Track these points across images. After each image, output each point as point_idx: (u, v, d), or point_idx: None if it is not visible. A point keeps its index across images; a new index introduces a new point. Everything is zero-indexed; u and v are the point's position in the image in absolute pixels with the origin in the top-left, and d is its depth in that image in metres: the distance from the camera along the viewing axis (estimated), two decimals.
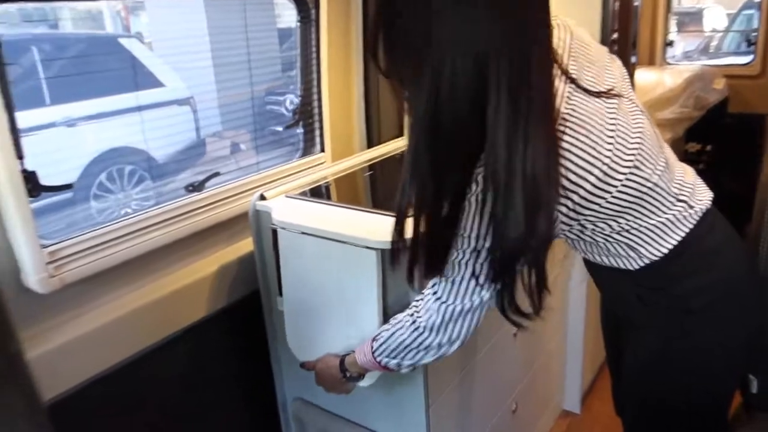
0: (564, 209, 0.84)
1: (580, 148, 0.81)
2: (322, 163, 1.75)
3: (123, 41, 3.78)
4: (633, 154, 0.86)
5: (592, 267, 1.08)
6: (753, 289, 1.02)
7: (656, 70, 3.28)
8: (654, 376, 1.03)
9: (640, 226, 0.92)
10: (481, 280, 0.89)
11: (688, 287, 0.96)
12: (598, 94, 0.85)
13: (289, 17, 1.77)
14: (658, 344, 1.01)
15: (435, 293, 0.96)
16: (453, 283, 0.92)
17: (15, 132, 1.07)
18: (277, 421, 1.50)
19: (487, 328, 1.46)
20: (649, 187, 0.89)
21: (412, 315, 1.01)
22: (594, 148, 0.82)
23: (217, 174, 1.51)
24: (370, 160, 1.69)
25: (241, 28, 1.88)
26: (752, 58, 3.28)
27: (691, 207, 0.95)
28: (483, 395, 1.50)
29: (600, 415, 2.09)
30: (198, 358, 1.36)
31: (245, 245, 1.47)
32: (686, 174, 0.99)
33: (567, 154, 0.80)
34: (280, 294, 1.35)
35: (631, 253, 0.95)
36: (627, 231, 0.92)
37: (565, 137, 0.80)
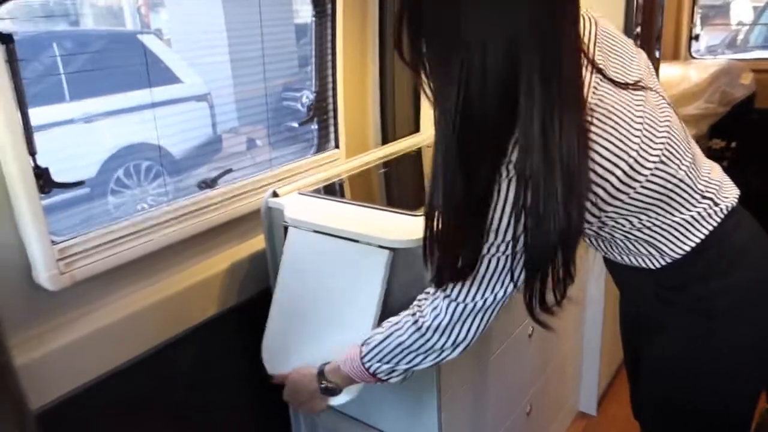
0: (588, 204, 0.81)
1: (608, 140, 0.79)
2: (336, 160, 1.73)
3: (142, 37, 3.80)
4: (660, 148, 0.84)
5: (611, 266, 1.05)
6: None
7: (681, 64, 3.20)
8: (675, 379, 1.00)
9: (663, 223, 0.89)
10: (501, 276, 0.86)
11: (714, 287, 0.93)
12: (625, 86, 0.83)
13: (305, 13, 1.75)
14: (681, 346, 0.97)
15: (444, 290, 0.92)
16: (468, 279, 0.89)
17: (28, 128, 1.07)
18: (288, 421, 1.49)
19: (502, 328, 1.44)
20: (675, 183, 0.87)
21: (414, 315, 0.96)
22: (621, 140, 0.80)
23: (230, 171, 1.49)
24: (385, 156, 1.67)
25: (258, 24, 1.86)
26: None
27: (717, 204, 0.92)
28: (497, 397, 1.48)
29: (616, 417, 2.05)
30: (208, 356, 1.35)
31: (257, 242, 1.46)
32: (713, 170, 0.97)
33: (595, 146, 0.78)
34: None
35: (653, 252, 0.92)
36: (649, 228, 0.89)
37: (593, 128, 0.78)
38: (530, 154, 0.72)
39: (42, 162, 1.10)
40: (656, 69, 1.23)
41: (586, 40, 0.83)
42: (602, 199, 0.82)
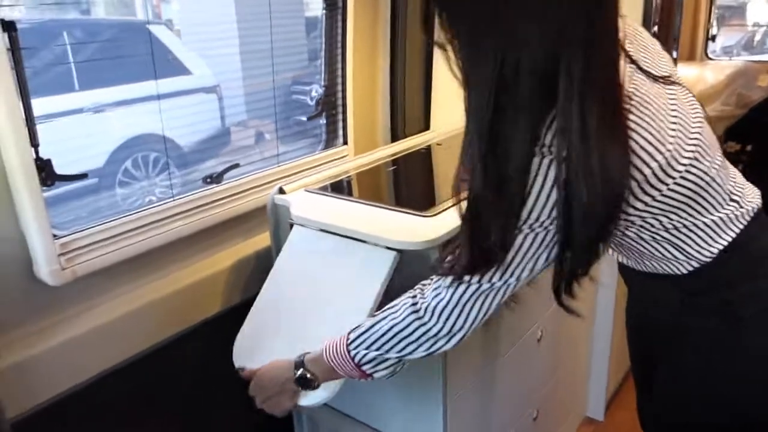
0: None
1: (646, 129, 0.77)
2: (344, 156, 1.70)
3: (152, 28, 3.77)
4: (694, 144, 0.81)
5: (628, 273, 1.02)
6: None
7: (697, 65, 3.15)
8: (699, 386, 0.96)
9: (692, 224, 0.86)
10: (527, 255, 0.81)
11: (742, 291, 0.90)
12: (656, 79, 0.81)
13: (316, 5, 1.72)
14: (705, 352, 0.94)
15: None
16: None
17: (30, 119, 1.05)
18: (290, 420, 1.47)
19: (510, 332, 1.41)
20: (706, 182, 0.84)
21: (414, 297, 0.90)
22: (659, 131, 0.78)
23: (236, 165, 1.47)
24: (394, 154, 1.64)
25: (270, 19, 1.84)
26: None
27: (742, 207, 0.90)
28: (503, 401, 1.45)
29: (624, 423, 2.02)
30: (211, 354, 1.33)
31: (263, 239, 1.43)
32: (736, 174, 0.94)
33: (633, 134, 0.76)
34: None
35: (678, 255, 0.89)
36: (676, 229, 0.86)
37: (631, 116, 0.76)
38: (568, 135, 0.71)
39: (48, 153, 1.08)
40: None
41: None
42: (634, 195, 0.80)
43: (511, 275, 0.83)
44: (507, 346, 1.41)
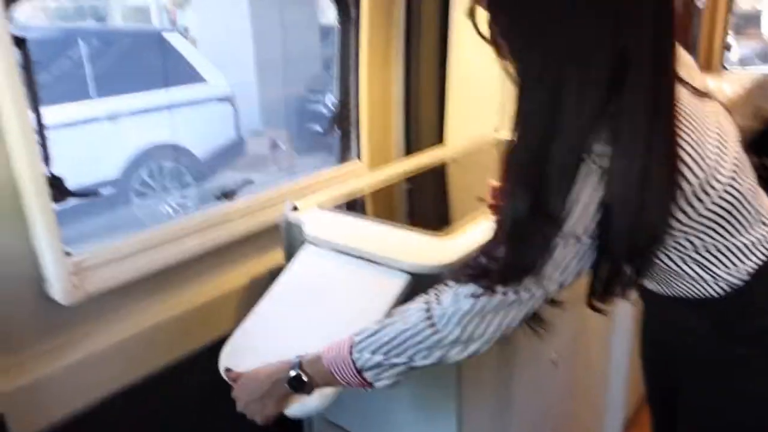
0: None
1: (689, 143, 0.75)
2: (358, 170, 1.69)
3: (167, 35, 3.79)
4: (733, 163, 0.80)
5: (650, 295, 0.98)
6: None
7: (713, 76, 3.10)
8: (728, 418, 0.93)
9: (722, 246, 0.83)
10: (561, 266, 0.77)
11: None
12: (695, 92, 0.80)
13: (332, 14, 1.72)
14: (741, 385, 0.90)
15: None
16: None
17: (42, 136, 1.04)
18: None
19: (525, 354, 1.38)
20: (740, 202, 0.82)
21: (427, 301, 0.84)
22: (701, 147, 0.76)
23: (250, 182, 1.46)
24: (408, 169, 1.62)
25: (284, 27, 1.84)
26: None
27: None
28: (518, 425, 1.42)
29: None
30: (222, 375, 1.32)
31: (276, 257, 1.42)
32: (764, 195, 0.91)
33: (677, 148, 0.75)
34: None
35: (707, 277, 0.86)
36: (706, 250, 0.84)
37: (677, 129, 0.75)
38: (621, 144, 0.70)
39: (65, 161, 1.08)
40: None
41: None
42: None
43: (539, 287, 0.79)
44: (522, 368, 1.38)
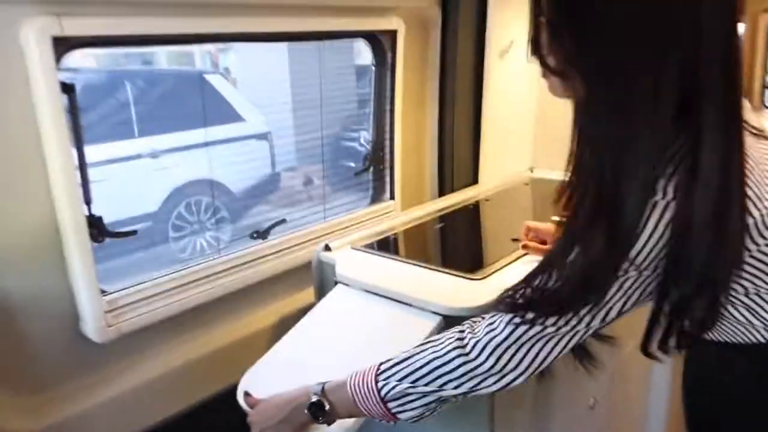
0: None
1: (750, 180, 0.72)
2: (390, 212, 1.69)
3: (208, 77, 3.92)
4: None
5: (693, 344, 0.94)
6: None
7: (756, 116, 3.02)
8: None
9: None
10: (613, 301, 0.74)
11: None
12: (751, 130, 0.76)
13: (367, 54, 1.74)
14: None
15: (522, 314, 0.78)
16: None
17: (84, 177, 1.07)
18: None
19: (562, 398, 1.33)
20: None
21: (462, 331, 0.81)
22: (758, 186, 0.72)
23: (283, 221, 1.47)
24: (442, 209, 1.61)
25: (321, 69, 1.89)
26: None
27: None
28: None
29: None
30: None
31: (306, 296, 1.42)
32: None
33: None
34: None
35: (755, 321, 0.81)
36: (757, 294, 0.79)
37: None
38: (694, 173, 0.67)
39: (103, 200, 1.10)
40: None
41: None
42: None
43: (580, 321, 0.75)
44: (558, 414, 1.33)
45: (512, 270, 1.18)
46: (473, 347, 0.78)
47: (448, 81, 1.74)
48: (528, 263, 0.80)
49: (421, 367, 0.80)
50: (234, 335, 1.28)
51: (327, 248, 1.33)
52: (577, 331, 0.76)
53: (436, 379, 0.79)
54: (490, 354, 0.77)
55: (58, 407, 1.04)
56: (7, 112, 0.94)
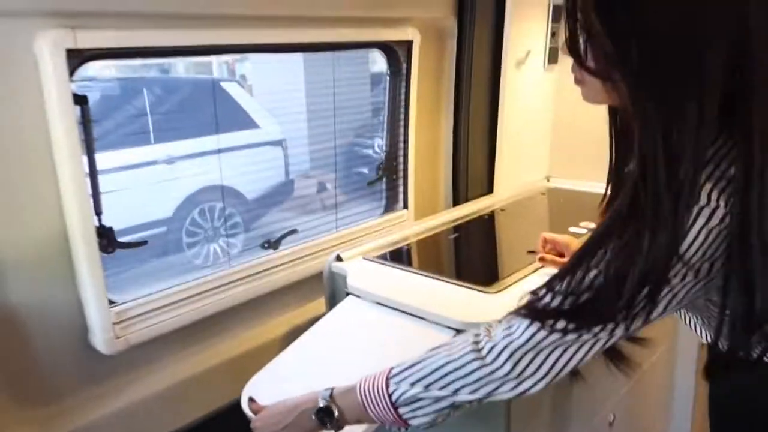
0: None
1: None
2: (403, 221, 1.67)
3: (224, 84, 3.94)
4: None
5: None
6: None
7: None
8: None
9: None
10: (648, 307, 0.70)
11: None
12: None
13: (382, 63, 1.73)
14: None
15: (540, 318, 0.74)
16: None
17: (95, 188, 1.07)
18: None
19: (580, 416, 1.30)
20: None
21: (477, 335, 0.78)
22: None
23: (294, 231, 1.46)
24: (456, 219, 1.59)
25: (336, 81, 1.88)
26: None
27: None
28: None
29: None
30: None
31: (317, 306, 1.40)
32: None
33: None
34: None
35: None
36: None
37: None
38: (749, 182, 0.64)
39: (122, 203, 1.09)
40: None
41: None
42: None
43: (603, 328, 0.71)
44: (575, 428, 1.30)
45: (528, 283, 1.16)
46: (489, 351, 0.75)
47: (463, 90, 1.72)
48: (545, 276, 0.77)
49: (434, 371, 0.77)
50: (244, 346, 1.27)
51: (338, 259, 1.31)
52: (599, 339, 0.72)
53: (451, 383, 0.76)
54: (508, 359, 0.74)
55: (66, 419, 1.04)
56: (20, 122, 0.94)
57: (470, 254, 1.52)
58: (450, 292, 1.16)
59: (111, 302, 1.08)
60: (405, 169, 1.67)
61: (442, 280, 1.21)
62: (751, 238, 0.65)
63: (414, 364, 0.78)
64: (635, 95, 0.68)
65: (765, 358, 0.81)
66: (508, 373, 0.74)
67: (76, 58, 0.96)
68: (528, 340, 0.73)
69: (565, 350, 0.73)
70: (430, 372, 0.77)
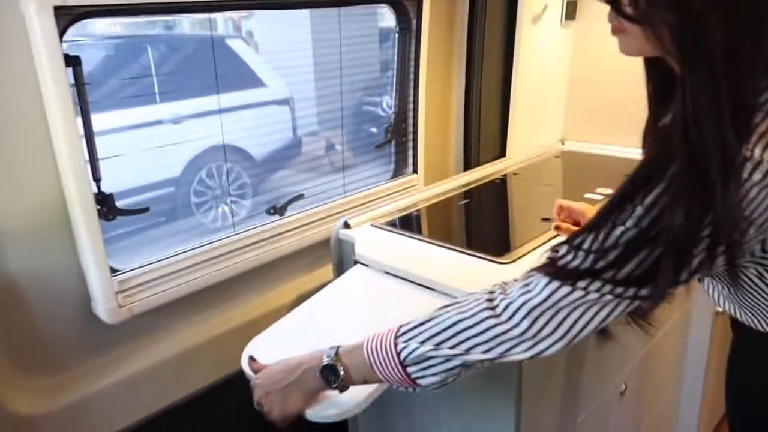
0: None
1: None
2: (413, 186, 1.62)
3: (229, 42, 3.85)
4: None
5: (746, 333, 0.86)
6: None
7: None
8: None
9: None
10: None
11: None
12: None
13: (391, 19, 1.66)
14: None
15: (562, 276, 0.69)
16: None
17: (93, 154, 1.03)
18: None
19: (591, 387, 1.28)
20: None
21: (491, 292, 0.74)
22: None
23: (300, 196, 1.42)
24: (467, 184, 1.54)
25: (343, 37, 1.81)
26: None
27: None
28: None
29: None
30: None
31: (325, 273, 1.37)
32: None
33: None
34: None
35: None
36: None
37: None
38: None
39: (129, 163, 1.06)
40: None
41: None
42: None
43: (627, 289, 0.67)
44: (587, 404, 1.28)
45: (541, 253, 1.12)
46: (505, 309, 0.71)
47: (476, 48, 1.65)
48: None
49: (446, 329, 0.73)
50: (251, 314, 1.25)
51: (346, 225, 1.28)
52: (623, 300, 0.68)
53: (463, 342, 0.72)
54: (525, 317, 0.70)
55: (72, 388, 1.03)
56: (12, 87, 0.90)
57: (481, 221, 1.48)
58: (460, 262, 1.13)
59: (114, 271, 1.06)
60: (415, 132, 1.62)
61: (453, 249, 1.17)
62: None
63: (424, 322, 0.75)
64: (680, 38, 0.62)
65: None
66: (525, 331, 0.70)
67: (66, 15, 0.91)
68: (547, 298, 0.69)
69: (585, 311, 0.69)
70: (441, 330, 0.73)
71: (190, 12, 1.45)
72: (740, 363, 0.97)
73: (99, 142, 1.06)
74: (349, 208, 1.45)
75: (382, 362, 0.75)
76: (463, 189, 1.52)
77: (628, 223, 0.65)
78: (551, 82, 1.90)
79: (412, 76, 1.59)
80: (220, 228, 1.36)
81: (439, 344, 0.73)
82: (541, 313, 0.69)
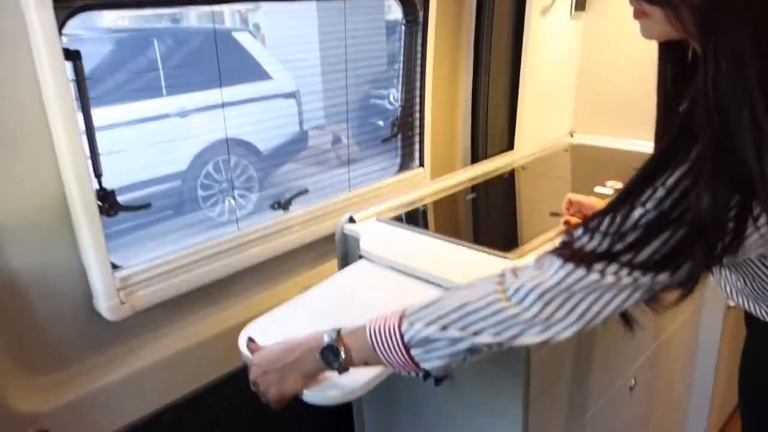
0: None
1: None
2: (419, 180, 1.60)
3: (236, 35, 3.83)
4: None
5: (758, 325, 0.85)
6: None
7: None
8: None
9: None
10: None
11: None
12: None
13: (397, 11, 1.64)
14: None
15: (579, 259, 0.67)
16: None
17: (94, 150, 1.02)
18: None
19: (601, 382, 1.27)
20: None
21: (501, 275, 0.72)
22: None
23: (305, 191, 1.40)
24: (474, 178, 1.52)
25: (350, 30, 1.78)
26: None
27: None
28: None
29: None
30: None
31: (330, 268, 1.36)
32: None
33: None
34: None
35: None
36: None
37: None
38: None
39: (131, 161, 1.05)
40: None
41: None
42: None
43: (645, 274, 0.65)
44: (596, 399, 1.26)
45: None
46: (515, 292, 0.69)
47: (483, 40, 1.62)
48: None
49: (453, 311, 0.71)
50: (255, 310, 1.22)
51: (351, 220, 1.26)
52: (640, 286, 0.66)
53: (472, 324, 0.70)
54: (537, 300, 0.67)
55: (74, 385, 1.02)
56: (11, 82, 0.88)
57: (489, 216, 1.46)
58: (467, 257, 1.11)
59: (115, 267, 1.05)
60: (421, 125, 1.59)
61: (459, 244, 1.15)
62: None
63: (431, 304, 0.73)
64: (703, 19, 0.61)
65: None
66: (536, 315, 0.68)
67: (65, 8, 0.89)
68: (560, 281, 0.67)
69: (600, 295, 0.67)
70: (448, 312, 0.71)
71: (190, 4, 1.43)
72: (755, 359, 0.95)
73: (106, 136, 1.05)
74: (355, 203, 1.43)
75: (386, 343, 0.73)
76: (471, 183, 1.50)
77: (648, 205, 0.64)
78: (560, 74, 1.87)
79: (418, 69, 1.56)
80: (227, 222, 1.35)
81: (445, 326, 0.71)
82: (554, 297, 0.67)
